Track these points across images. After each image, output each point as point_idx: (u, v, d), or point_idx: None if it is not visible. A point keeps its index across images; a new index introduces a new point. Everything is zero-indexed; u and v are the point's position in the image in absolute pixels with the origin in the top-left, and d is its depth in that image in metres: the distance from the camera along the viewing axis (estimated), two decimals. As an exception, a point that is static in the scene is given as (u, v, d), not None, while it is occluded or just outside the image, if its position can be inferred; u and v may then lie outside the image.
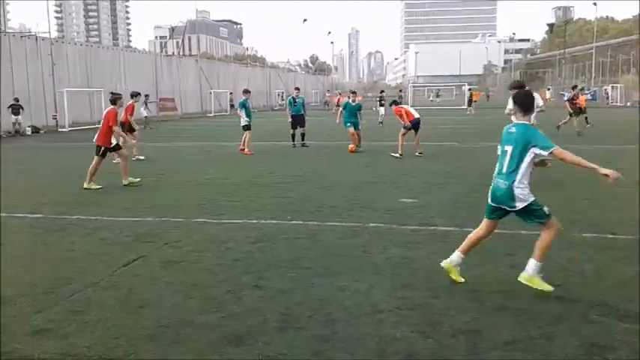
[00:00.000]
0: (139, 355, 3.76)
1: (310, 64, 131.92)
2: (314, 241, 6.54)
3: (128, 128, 13.90)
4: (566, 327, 4.10)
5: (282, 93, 61.13)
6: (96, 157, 10.56)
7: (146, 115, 29.43)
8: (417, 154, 14.51)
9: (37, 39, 29.93)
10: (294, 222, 7.45)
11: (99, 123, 32.45)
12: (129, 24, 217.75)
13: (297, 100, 17.62)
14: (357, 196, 9.30)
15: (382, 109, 28.51)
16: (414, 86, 71.17)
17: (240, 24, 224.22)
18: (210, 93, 45.49)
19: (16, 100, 25.94)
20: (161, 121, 36.26)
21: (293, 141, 17.34)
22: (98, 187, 10.38)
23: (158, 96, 40.26)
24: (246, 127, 16.06)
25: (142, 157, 14.77)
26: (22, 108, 25.91)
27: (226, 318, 4.35)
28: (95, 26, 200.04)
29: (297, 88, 19.04)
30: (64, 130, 28.35)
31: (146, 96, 30.15)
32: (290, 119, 17.43)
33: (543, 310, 4.39)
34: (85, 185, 10.33)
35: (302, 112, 17.56)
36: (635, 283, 4.93)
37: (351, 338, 3.97)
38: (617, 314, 4.30)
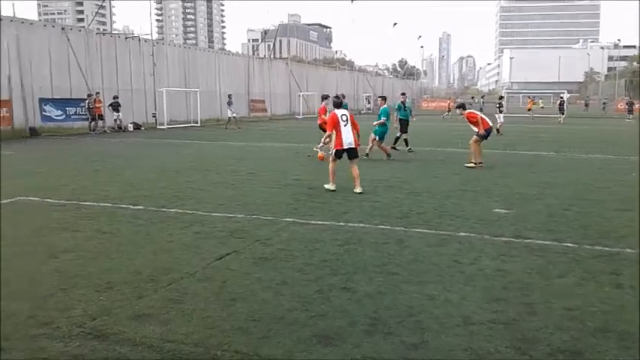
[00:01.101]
0: (232, 347, 3.88)
1: (399, 69, 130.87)
2: (402, 246, 6.48)
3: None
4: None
5: (370, 97, 61.01)
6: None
7: (231, 115, 30.39)
8: (474, 164, 13.71)
9: (139, 40, 31.81)
10: (381, 226, 7.42)
11: (194, 122, 33.80)
12: (223, 27, 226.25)
13: (406, 105, 17.92)
14: (446, 204, 9.12)
15: (501, 116, 27.01)
16: (508, 92, 68.69)
17: (330, 27, 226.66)
18: (299, 95, 46.30)
19: (115, 97, 27.70)
20: (251, 122, 37.44)
21: (395, 145, 17.20)
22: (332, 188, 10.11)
23: (249, 98, 41.54)
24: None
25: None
26: (120, 105, 27.59)
27: (315, 317, 4.41)
28: (192, 29, 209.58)
29: (403, 94, 19.42)
30: (162, 127, 29.94)
31: (229, 96, 31.36)
32: (397, 124, 17.44)
33: (652, 336, 4.09)
34: (328, 186, 10.16)
35: (408, 118, 17.64)
36: None
37: (441, 348, 3.89)
38: None
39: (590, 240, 6.66)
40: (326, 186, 10.21)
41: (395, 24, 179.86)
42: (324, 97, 16.28)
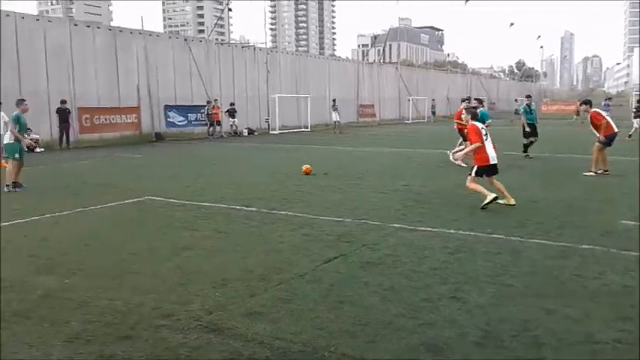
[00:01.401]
0: (340, 349, 3.91)
1: (516, 70, 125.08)
2: (517, 257, 6.17)
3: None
4: None
5: (483, 100, 58.95)
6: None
7: (336, 119, 31.20)
8: (594, 172, 12.55)
9: (254, 49, 33.19)
10: (494, 235, 7.12)
11: (304, 127, 34.47)
12: (334, 33, 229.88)
13: (532, 108, 17.26)
14: (567, 213, 8.56)
15: (638, 122, 24.79)
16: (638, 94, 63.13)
17: (442, 30, 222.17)
18: (409, 100, 45.82)
19: (232, 104, 29.15)
20: (360, 127, 37.63)
21: (526, 151, 16.49)
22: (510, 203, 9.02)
23: (358, 103, 41.80)
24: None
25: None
26: (236, 111, 29.01)
27: (423, 325, 4.32)
28: (304, 36, 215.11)
29: (528, 96, 18.71)
30: (274, 132, 31.00)
31: (333, 101, 31.95)
32: (527, 128, 16.72)
33: None
34: (502, 201, 8.98)
35: (534, 121, 17.01)
36: None
37: (560, 367, 3.66)
38: None
39: None
40: (501, 201, 8.87)
41: (512, 24, 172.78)
42: (464, 100, 15.83)
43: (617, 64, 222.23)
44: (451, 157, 13.32)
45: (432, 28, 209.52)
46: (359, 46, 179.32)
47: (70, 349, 3.89)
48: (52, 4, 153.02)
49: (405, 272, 5.67)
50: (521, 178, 12.39)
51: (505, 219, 8.15)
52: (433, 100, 48.48)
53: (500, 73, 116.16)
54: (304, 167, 12.85)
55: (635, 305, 4.69)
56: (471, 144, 9.07)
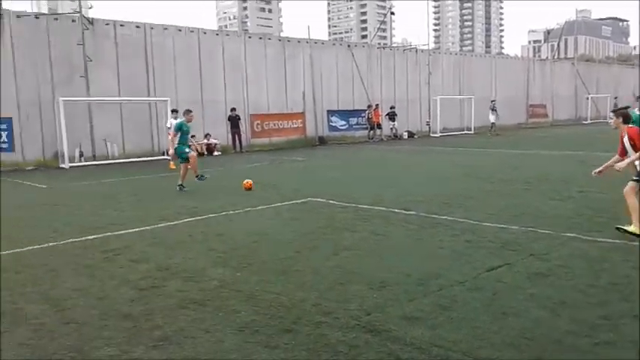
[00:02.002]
0: (501, 363, 3.72)
1: None
2: None
3: None
4: None
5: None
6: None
7: (493, 121, 30.32)
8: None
9: (416, 51, 32.95)
10: (690, 250, 6.22)
11: (467, 129, 33.42)
12: (502, 30, 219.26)
13: None
14: None
15: None
16: None
17: (627, 20, 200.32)
18: (588, 98, 42.03)
19: (392, 107, 29.28)
20: (529, 128, 35.43)
21: None
22: None
23: (528, 102, 39.39)
24: None
25: None
26: (396, 114, 29.07)
27: (599, 345, 3.93)
28: (469, 35, 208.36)
29: None
30: (435, 135, 30.49)
31: (492, 102, 30.52)
32: None
33: None
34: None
35: None
36: None
37: None
38: None
39: None
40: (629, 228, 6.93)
41: None
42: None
43: None
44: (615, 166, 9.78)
45: (615, 19, 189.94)
46: (530, 42, 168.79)
47: (240, 338, 4.20)
48: (229, 20, 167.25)
49: (578, 286, 5.21)
50: None
51: None
52: (616, 97, 43.86)
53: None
54: (245, 182, 11.70)
55: None
56: (636, 151, 6.92)
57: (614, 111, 7.64)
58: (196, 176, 11.97)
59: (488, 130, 30.53)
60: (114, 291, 5.35)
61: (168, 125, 17.42)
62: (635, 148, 6.93)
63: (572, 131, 32.01)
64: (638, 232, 6.77)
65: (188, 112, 12.25)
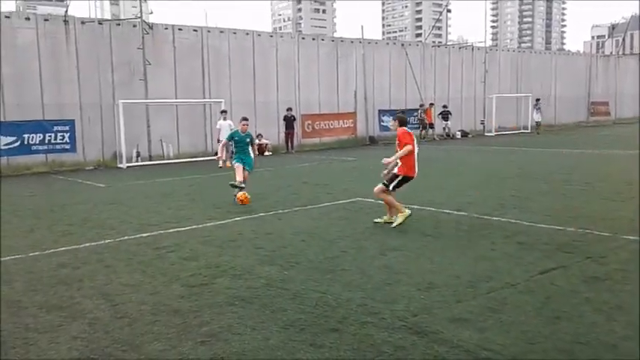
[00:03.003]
0: (552, 369, 3.60)
1: None
2: None
3: None
4: None
5: None
6: None
7: (537, 120, 29.75)
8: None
9: (472, 49, 32.24)
10: None
11: (524, 128, 32.63)
12: (564, 25, 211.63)
13: None
14: None
15: None
16: None
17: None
18: (653, 95, 39.97)
19: (445, 106, 28.72)
20: (590, 127, 34.06)
21: None
22: None
23: (589, 99, 37.85)
24: None
25: None
26: (450, 113, 28.52)
27: (657, 353, 3.74)
28: (529, 31, 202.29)
29: None
30: (489, 134, 29.76)
31: (537, 100, 29.53)
32: None
33: None
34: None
35: None
36: None
37: None
38: None
39: None
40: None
41: None
42: None
43: None
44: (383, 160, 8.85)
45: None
46: (593, 37, 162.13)
47: (285, 335, 4.24)
48: (284, 22, 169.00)
49: (636, 290, 4.98)
50: None
51: None
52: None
53: None
54: (240, 195, 10.23)
55: None
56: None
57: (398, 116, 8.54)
58: (234, 185, 10.80)
59: (534, 129, 29.79)
60: (165, 287, 5.51)
61: (218, 127, 17.77)
62: (400, 148, 8.05)
63: (635, 129, 30.49)
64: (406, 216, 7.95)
65: (243, 120, 11.32)
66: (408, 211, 8.07)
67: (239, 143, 11.24)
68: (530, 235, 7.19)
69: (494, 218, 8.28)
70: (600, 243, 6.66)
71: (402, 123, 8.32)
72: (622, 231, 7.15)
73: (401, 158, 8.04)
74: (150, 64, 19.80)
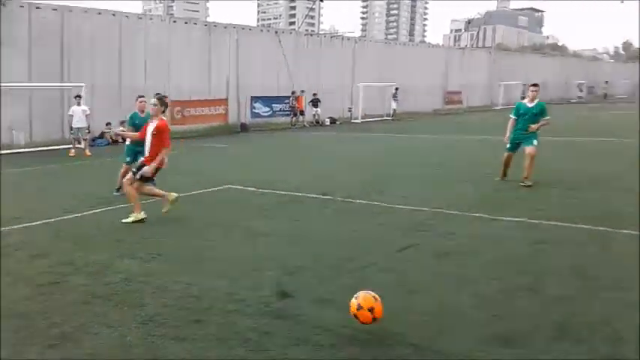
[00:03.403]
0: (408, 339, 3.86)
1: (622, 52, 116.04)
2: (604, 249, 5.76)
3: None
4: None
5: (583, 84, 55.29)
6: None
7: (394, 108, 31.65)
8: None
9: (342, 39, 33.15)
10: (580, 226, 6.67)
11: (387, 115, 33.86)
12: (425, 19, 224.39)
13: None
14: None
15: None
16: None
17: (543, 11, 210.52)
18: (500, 85, 43.95)
19: (315, 94, 29.37)
20: (445, 114, 36.44)
21: None
22: None
23: (445, 89, 40.68)
24: None
25: None
26: (320, 101, 29.19)
27: (496, 317, 4.17)
28: (394, 24, 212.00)
29: None
30: (356, 121, 30.83)
31: (396, 89, 31.43)
32: None
33: None
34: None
35: None
36: None
37: (641, 364, 3.37)
38: None
39: None
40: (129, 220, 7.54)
41: (622, 0, 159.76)
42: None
43: None
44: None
45: (532, 9, 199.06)
46: (451, 31, 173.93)
47: (144, 331, 4.08)
48: (155, 3, 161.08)
49: (480, 263, 5.47)
50: (615, 167, 11.51)
51: (593, 208, 7.63)
52: (524, 85, 46.18)
53: (605, 55, 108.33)
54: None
55: None
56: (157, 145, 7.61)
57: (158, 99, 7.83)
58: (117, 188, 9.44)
59: (392, 116, 31.58)
60: (9, 288, 5.03)
61: (70, 113, 16.65)
62: (156, 139, 7.53)
63: (484, 117, 33.27)
64: (139, 218, 7.45)
65: (140, 97, 9.77)
66: (174, 195, 7.69)
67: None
68: (391, 216, 7.58)
69: (357, 201, 8.60)
70: (450, 221, 7.20)
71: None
72: (468, 209, 7.76)
73: (153, 150, 7.53)
74: None
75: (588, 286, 4.72)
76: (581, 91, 54.68)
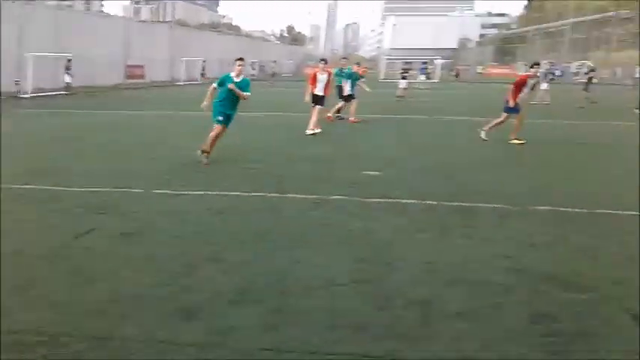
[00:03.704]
0: (84, 331, 3.65)
1: (286, 34, 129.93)
2: (277, 213, 6.45)
3: None
4: (515, 298, 4.17)
5: (255, 63, 60.02)
6: None
7: (68, 81, 29.06)
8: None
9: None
10: (257, 194, 7.32)
11: (63, 89, 30.85)
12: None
13: (344, 71, 16.87)
14: (317, 169, 9.18)
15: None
16: (388, 59, 70.51)
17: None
18: (182, 61, 44.47)
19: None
20: (127, 89, 35.14)
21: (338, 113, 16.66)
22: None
23: (127, 62, 39.21)
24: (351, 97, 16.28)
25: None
26: None
27: (179, 292, 4.25)
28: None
29: (344, 58, 20.87)
30: (26, 96, 27.29)
31: (68, 61, 29.51)
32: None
33: (495, 282, 4.43)
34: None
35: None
36: (584, 255, 5.03)
37: (302, 311, 3.92)
38: (564, 286, 4.37)
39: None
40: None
41: None
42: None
43: (372, 30, 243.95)
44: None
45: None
46: (132, 2, 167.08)
47: None
48: None
49: (165, 239, 5.50)
50: (289, 136, 12.95)
51: (267, 177, 8.44)
52: (204, 61, 47.84)
53: (272, 37, 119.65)
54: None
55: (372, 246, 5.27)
56: None
57: None
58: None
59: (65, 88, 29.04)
60: None
61: None
62: None
63: (168, 92, 33.31)
64: None
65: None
66: None
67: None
68: (64, 200, 6.98)
69: (26, 186, 7.63)
70: (134, 200, 7.03)
71: None
72: (153, 186, 7.69)
73: None
74: None
75: (264, 249, 5.20)
76: (254, 69, 59.24)
